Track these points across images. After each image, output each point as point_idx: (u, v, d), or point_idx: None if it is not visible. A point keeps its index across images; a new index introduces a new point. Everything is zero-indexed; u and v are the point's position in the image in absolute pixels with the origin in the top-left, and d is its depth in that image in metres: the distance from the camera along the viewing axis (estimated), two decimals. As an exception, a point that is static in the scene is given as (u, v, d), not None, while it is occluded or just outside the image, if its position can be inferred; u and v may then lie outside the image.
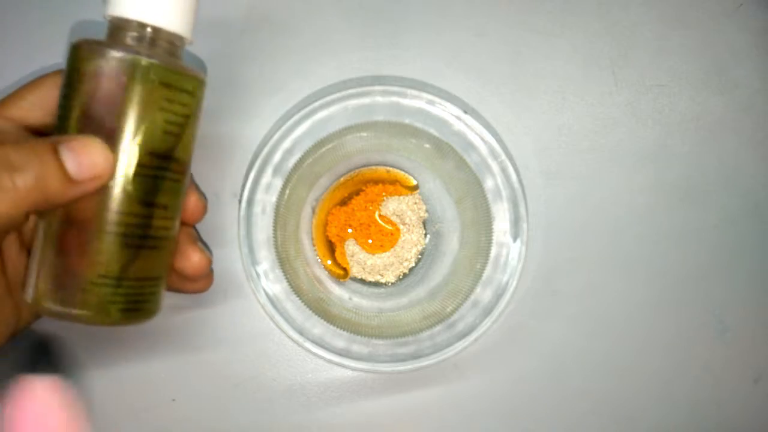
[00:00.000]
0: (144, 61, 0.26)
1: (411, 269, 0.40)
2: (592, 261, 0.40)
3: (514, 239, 0.36)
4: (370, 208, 0.39)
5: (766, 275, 0.40)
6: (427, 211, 0.40)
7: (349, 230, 0.40)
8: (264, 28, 0.40)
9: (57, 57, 0.38)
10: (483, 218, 0.37)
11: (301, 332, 0.35)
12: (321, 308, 0.36)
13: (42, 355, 0.39)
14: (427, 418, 0.39)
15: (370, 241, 0.39)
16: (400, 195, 0.40)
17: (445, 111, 0.36)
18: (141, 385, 0.39)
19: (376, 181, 0.40)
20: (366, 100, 0.36)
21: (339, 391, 0.39)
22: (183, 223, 0.32)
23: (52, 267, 0.26)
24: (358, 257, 0.39)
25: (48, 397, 0.32)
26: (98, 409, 0.38)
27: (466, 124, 0.36)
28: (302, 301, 0.36)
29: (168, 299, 0.39)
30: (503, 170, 0.36)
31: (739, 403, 0.40)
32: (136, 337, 0.39)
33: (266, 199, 0.36)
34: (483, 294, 0.36)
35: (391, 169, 0.40)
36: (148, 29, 0.27)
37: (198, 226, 0.39)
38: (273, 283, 0.35)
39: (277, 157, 0.35)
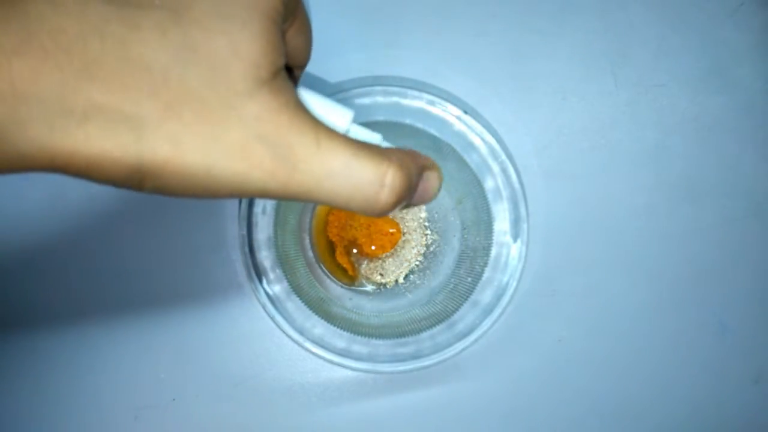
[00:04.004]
0: None
1: (411, 270, 0.40)
2: (592, 261, 0.40)
3: (515, 239, 0.36)
4: (371, 208, 0.39)
5: (767, 276, 0.40)
6: (427, 211, 0.40)
7: (350, 230, 0.40)
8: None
9: None
10: (483, 219, 0.37)
11: (301, 332, 0.35)
12: (321, 308, 0.36)
13: (41, 356, 0.38)
14: (428, 418, 0.39)
15: (371, 243, 0.39)
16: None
17: (446, 111, 0.36)
18: (141, 385, 0.38)
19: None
20: (366, 100, 0.35)
21: (339, 391, 0.39)
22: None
23: None
24: (358, 257, 0.39)
25: None
26: (98, 409, 0.38)
27: (466, 124, 0.36)
28: (302, 301, 0.36)
29: (167, 299, 0.39)
30: (503, 170, 0.36)
31: (738, 403, 0.40)
32: (136, 337, 0.38)
33: (266, 199, 0.35)
34: (483, 294, 0.36)
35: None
36: None
37: (197, 226, 0.39)
38: (273, 283, 0.35)
39: (277, 157, 0.35)
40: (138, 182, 0.18)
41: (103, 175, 0.18)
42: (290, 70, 0.26)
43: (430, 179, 0.23)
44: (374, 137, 0.23)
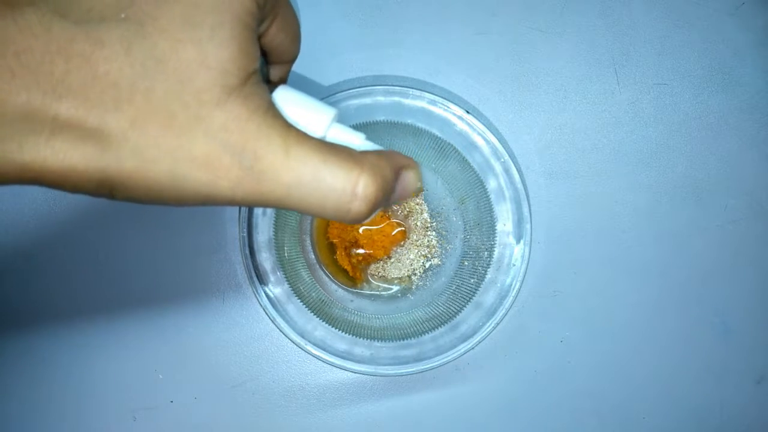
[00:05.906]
0: None
1: (413, 271, 0.40)
2: (593, 261, 0.40)
3: (518, 241, 0.36)
4: (372, 208, 0.39)
5: (769, 275, 0.40)
6: (429, 212, 0.40)
7: (351, 231, 0.39)
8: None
9: None
10: (486, 219, 0.36)
11: (302, 335, 0.35)
12: (322, 310, 0.36)
13: (40, 357, 0.38)
14: (428, 420, 0.39)
15: (372, 245, 0.39)
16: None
17: (448, 111, 0.35)
18: (139, 387, 0.38)
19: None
20: (367, 100, 0.35)
21: (338, 393, 0.39)
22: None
23: None
24: (359, 259, 0.39)
25: None
26: (96, 410, 0.38)
27: (468, 124, 0.35)
28: (303, 304, 0.35)
29: (166, 300, 0.39)
30: (506, 170, 0.36)
31: (741, 403, 0.40)
32: (135, 338, 0.38)
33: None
34: (486, 295, 0.36)
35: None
36: None
37: (198, 228, 0.39)
38: (274, 285, 0.35)
39: (277, 157, 0.35)
40: (108, 193, 0.19)
41: (72, 187, 0.18)
42: (266, 74, 0.25)
43: (408, 178, 0.22)
44: (356, 137, 0.22)
